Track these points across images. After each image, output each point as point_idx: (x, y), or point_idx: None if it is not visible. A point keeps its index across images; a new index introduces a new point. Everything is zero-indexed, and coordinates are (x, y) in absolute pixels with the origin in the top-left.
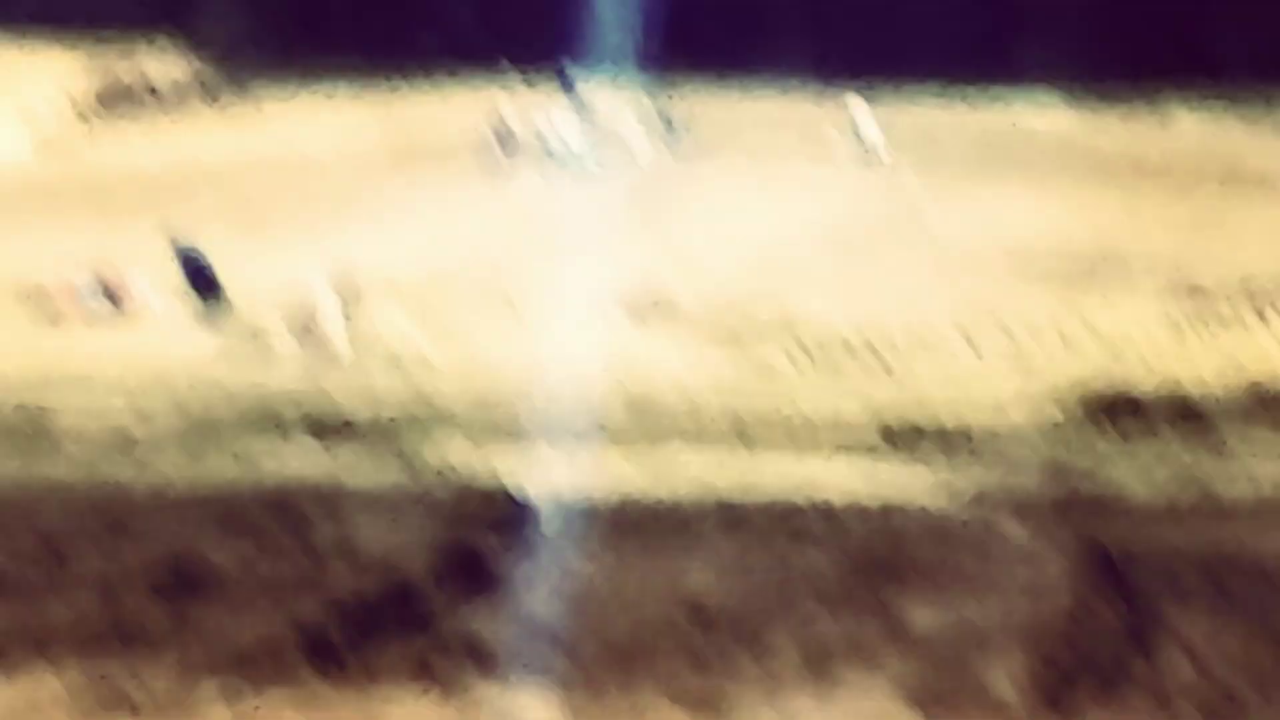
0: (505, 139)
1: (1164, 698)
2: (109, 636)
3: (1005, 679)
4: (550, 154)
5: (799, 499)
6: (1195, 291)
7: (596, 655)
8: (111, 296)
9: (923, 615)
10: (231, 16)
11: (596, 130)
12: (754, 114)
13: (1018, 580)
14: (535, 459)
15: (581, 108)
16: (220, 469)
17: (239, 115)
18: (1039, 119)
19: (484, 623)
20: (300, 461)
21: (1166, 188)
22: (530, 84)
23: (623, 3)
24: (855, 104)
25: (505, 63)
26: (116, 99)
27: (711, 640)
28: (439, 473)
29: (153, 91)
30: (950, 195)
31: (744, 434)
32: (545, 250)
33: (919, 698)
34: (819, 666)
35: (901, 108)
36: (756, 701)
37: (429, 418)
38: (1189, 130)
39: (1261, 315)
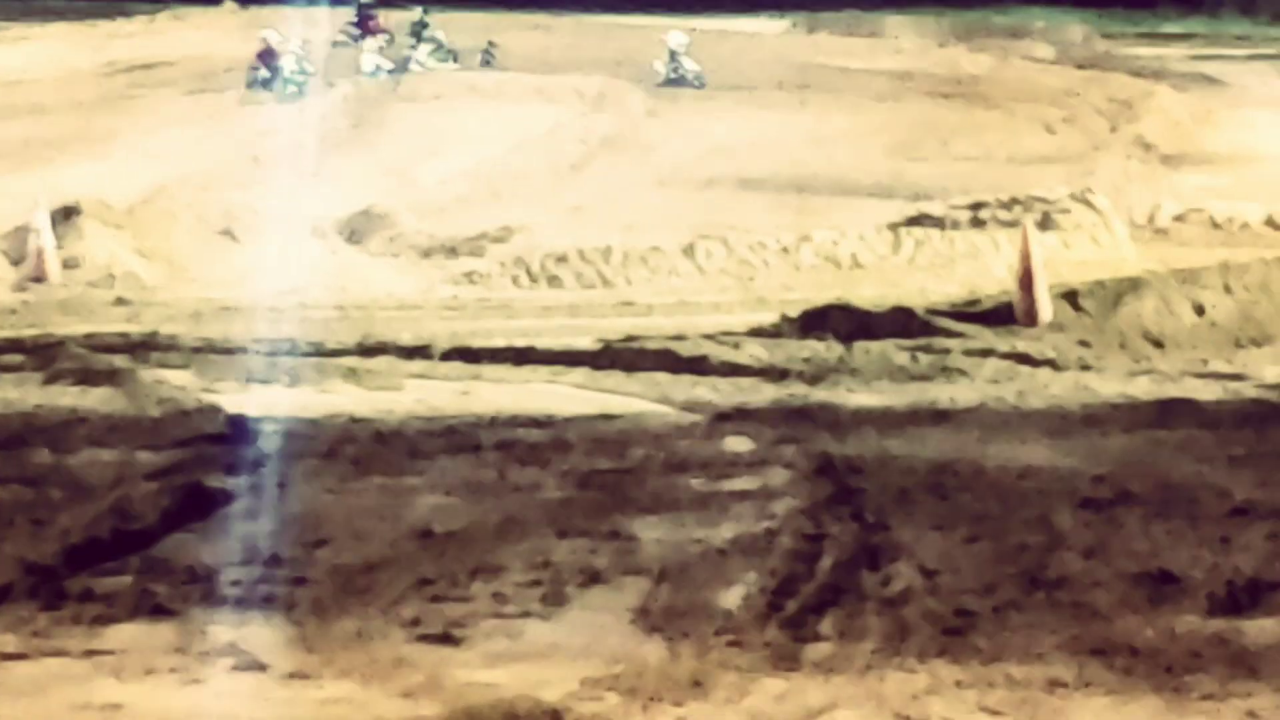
0: (242, 63)
1: (895, 612)
2: None
3: (736, 597)
4: (284, 78)
5: (524, 419)
6: (915, 202)
7: (323, 582)
8: None
9: (652, 534)
10: None
11: (319, 55)
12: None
13: (746, 496)
14: (255, 383)
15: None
16: None
17: None
18: (761, 39)
19: (207, 551)
20: (14, 387)
21: (887, 103)
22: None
23: None
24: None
25: None
26: None
27: (441, 565)
28: (157, 398)
29: None
30: (675, 113)
31: (467, 354)
32: (267, 172)
33: (651, 618)
34: (550, 589)
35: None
36: (488, 627)
37: (146, 342)
38: (907, 47)
39: (979, 223)
